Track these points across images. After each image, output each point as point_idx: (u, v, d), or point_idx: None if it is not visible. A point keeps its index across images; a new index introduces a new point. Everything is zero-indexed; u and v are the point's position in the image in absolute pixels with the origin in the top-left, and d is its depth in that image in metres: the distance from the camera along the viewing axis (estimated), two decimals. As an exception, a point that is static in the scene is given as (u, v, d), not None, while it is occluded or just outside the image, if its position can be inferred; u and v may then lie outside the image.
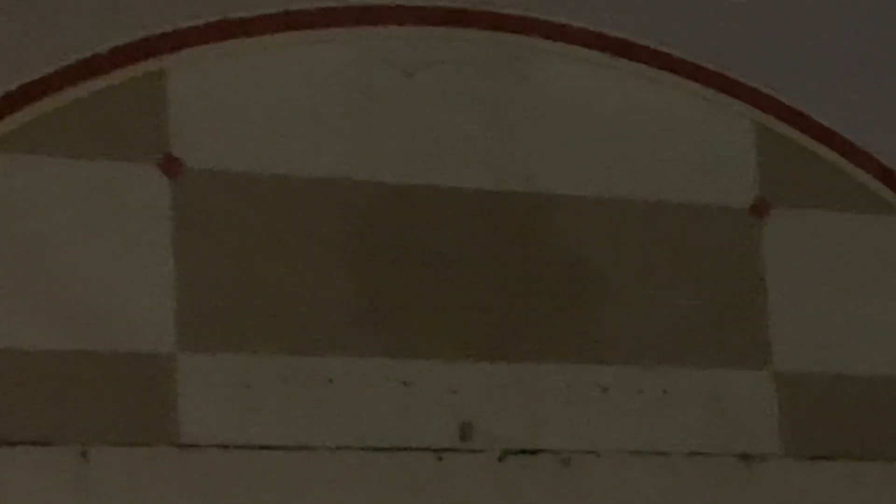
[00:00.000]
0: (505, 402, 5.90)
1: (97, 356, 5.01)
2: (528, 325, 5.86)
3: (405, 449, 5.63)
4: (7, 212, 4.99)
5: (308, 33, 5.70)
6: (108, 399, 5.05)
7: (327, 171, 5.66)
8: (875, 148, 6.53)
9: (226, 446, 5.21)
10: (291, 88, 5.64)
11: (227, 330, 5.24)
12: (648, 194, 6.18)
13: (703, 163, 6.52)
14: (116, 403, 5.05)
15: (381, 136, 5.71)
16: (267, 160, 5.62)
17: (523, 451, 5.92)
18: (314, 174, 5.62)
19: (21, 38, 5.07)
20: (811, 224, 6.42)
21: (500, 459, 5.87)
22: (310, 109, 5.70)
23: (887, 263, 6.58)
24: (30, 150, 5.08)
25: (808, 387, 6.45)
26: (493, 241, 5.87)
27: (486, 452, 5.86)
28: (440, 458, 5.67)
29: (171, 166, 5.37)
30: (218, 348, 5.24)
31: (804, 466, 6.30)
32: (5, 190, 5.01)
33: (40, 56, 5.13)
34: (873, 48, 6.41)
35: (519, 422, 5.91)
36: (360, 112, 5.77)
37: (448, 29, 5.84)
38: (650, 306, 6.04)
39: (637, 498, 6.15)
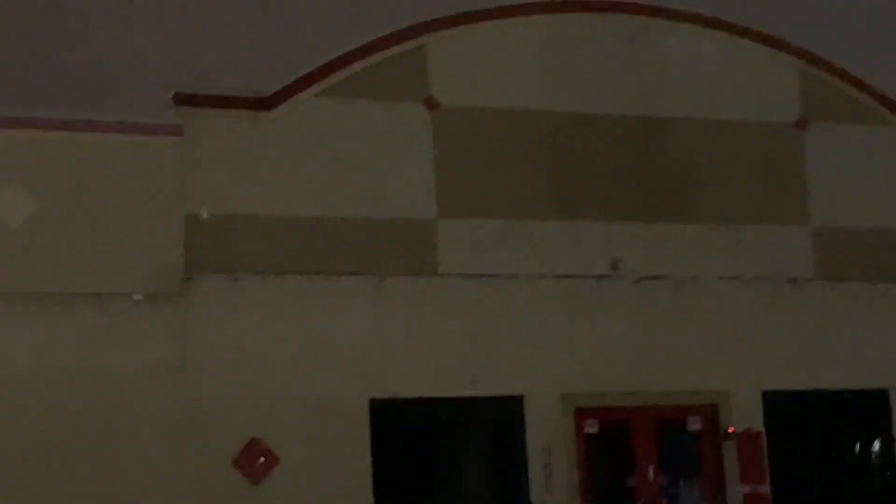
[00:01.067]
0: (640, 247, 8.25)
1: (386, 222, 7.48)
2: (654, 200, 8.33)
3: (577, 276, 7.86)
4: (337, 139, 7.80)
5: (520, 18, 8.07)
6: (392, 251, 7.55)
7: (529, 103, 8.15)
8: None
9: (472, 275, 7.70)
10: (515, 49, 8.17)
11: (476, 201, 7.73)
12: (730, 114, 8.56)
13: (757, 94, 8.82)
14: (397, 253, 7.52)
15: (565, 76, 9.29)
16: (501, 98, 8.18)
17: (651, 277, 8.65)
18: (520, 106, 8.05)
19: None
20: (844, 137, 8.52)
21: (636, 283, 8.05)
22: (525, 64, 9.11)
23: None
24: (347, 95, 8.75)
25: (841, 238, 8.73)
26: (631, 157, 9.41)
27: (627, 278, 8.10)
28: (598, 282, 7.88)
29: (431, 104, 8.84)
30: (469, 215, 7.75)
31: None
32: (336, 127, 8.11)
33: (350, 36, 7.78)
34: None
35: (649, 260, 8.29)
36: (556, 66, 9.25)
37: (607, 14, 8.23)
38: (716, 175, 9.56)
39: (722, 313, 9.17)
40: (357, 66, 8.88)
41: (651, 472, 9.41)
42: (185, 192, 8.43)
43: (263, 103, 8.91)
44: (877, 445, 9.94)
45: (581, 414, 9.22)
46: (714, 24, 9.50)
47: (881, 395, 9.69)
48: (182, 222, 8.30)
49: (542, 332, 9.28)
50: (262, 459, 8.55)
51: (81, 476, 7.60)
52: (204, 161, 8.58)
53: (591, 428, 9.36)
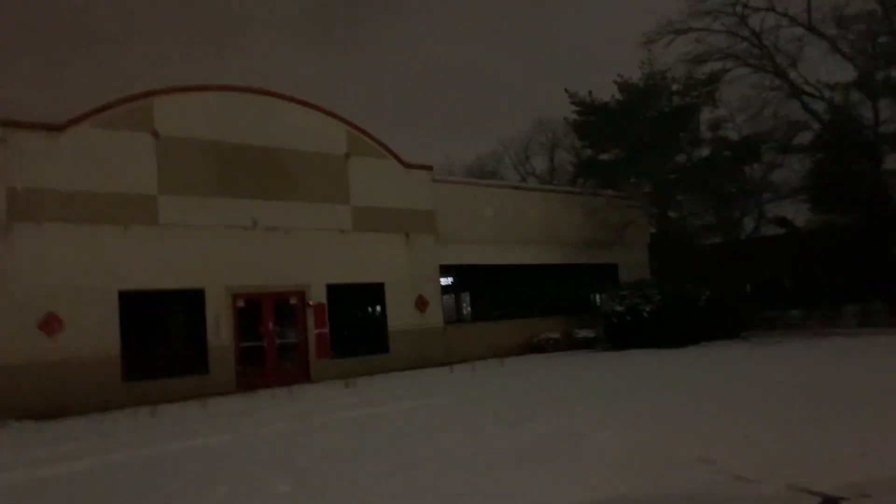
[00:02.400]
0: (267, 213, 15.22)
1: (132, 196, 13.69)
2: (275, 189, 15.08)
3: (235, 227, 14.60)
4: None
5: (204, 92, 14.46)
6: (133, 210, 13.81)
7: (210, 136, 14.52)
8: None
9: (179, 224, 14.08)
10: (202, 106, 14.36)
11: (179, 185, 14.10)
12: (316, 148, 15.63)
13: (328, 139, 16.31)
14: (136, 211, 13.82)
15: (229, 122, 14.59)
16: (194, 132, 14.41)
17: (272, 228, 15.11)
18: (204, 137, 14.42)
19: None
20: (365, 163, 16.32)
21: (265, 230, 15.08)
22: (208, 114, 14.48)
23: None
24: (109, 127, 13.56)
25: (364, 211, 16.30)
26: (265, 166, 14.98)
27: (261, 228, 15.02)
28: (247, 230, 14.83)
29: (155, 133, 14.05)
30: (175, 193, 14.07)
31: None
32: (101, 144, 13.72)
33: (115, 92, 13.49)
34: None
35: (271, 219, 15.19)
36: (225, 117, 14.68)
37: (245, 93, 15.27)
38: (309, 178, 15.46)
39: (308, 244, 15.47)
40: (118, 109, 15.57)
41: (270, 325, 17.52)
42: (10, 175, 13.87)
43: (57, 128, 14.67)
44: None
45: (235, 297, 16.65)
46: (304, 103, 18.26)
47: (379, 287, 19.21)
48: (5, 192, 13.74)
49: (217, 255, 16.49)
50: (55, 323, 14.55)
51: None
52: (21, 157, 14.04)
53: (240, 304, 16.81)
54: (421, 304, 19.98)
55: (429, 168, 20.86)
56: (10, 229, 14.19)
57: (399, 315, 19.54)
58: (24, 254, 14.31)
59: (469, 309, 22.03)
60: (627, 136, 25.86)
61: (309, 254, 18.07)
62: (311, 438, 9.40)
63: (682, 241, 26.04)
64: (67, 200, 14.95)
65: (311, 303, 17.94)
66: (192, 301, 16.46)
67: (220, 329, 16.59)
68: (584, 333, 22.54)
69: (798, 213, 26.91)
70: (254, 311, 17.28)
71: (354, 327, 19.13)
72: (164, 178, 16.13)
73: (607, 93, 28.19)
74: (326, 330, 18.18)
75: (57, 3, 49.71)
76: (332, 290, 18.34)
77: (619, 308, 21.82)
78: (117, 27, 50.31)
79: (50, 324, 14.43)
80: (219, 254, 16.73)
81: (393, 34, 57.89)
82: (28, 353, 14.06)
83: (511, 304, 22.43)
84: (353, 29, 60.64)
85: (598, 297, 23.69)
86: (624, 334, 21.22)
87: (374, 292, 19.41)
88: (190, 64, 46.55)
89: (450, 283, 21.22)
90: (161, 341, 16.31)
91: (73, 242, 14.88)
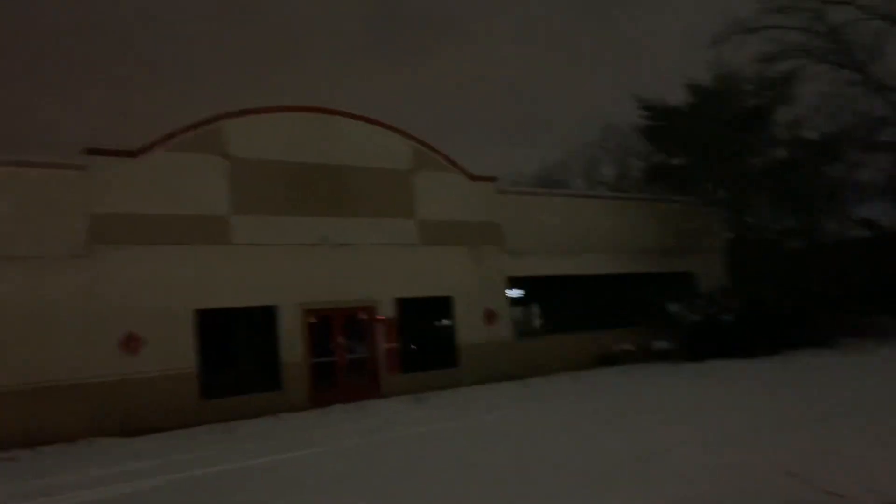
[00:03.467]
0: (336, 229, 15.38)
1: (205, 217, 14.05)
2: (341, 206, 15.33)
3: (305, 244, 14.84)
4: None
5: (273, 114, 14.80)
6: (206, 231, 14.09)
7: (279, 156, 14.82)
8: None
9: (252, 244, 14.37)
10: (271, 128, 14.73)
11: (252, 205, 14.38)
12: (378, 164, 15.70)
13: (392, 155, 16.16)
14: (208, 232, 14.13)
15: (294, 142, 14.87)
16: (265, 152, 14.74)
17: (341, 244, 15.35)
18: (274, 158, 14.73)
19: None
20: (430, 177, 16.43)
21: (334, 247, 15.30)
22: (276, 135, 14.76)
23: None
24: (184, 150, 13.94)
25: (430, 224, 16.38)
26: (329, 184, 15.29)
27: (330, 245, 15.26)
28: (315, 247, 14.99)
29: (227, 155, 14.40)
30: (248, 213, 14.35)
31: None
32: (178, 166, 14.46)
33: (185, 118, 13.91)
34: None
35: (340, 235, 15.43)
36: (292, 138, 14.94)
37: (310, 113, 15.54)
38: (372, 194, 15.62)
39: (375, 260, 15.70)
40: (191, 133, 16.14)
41: (340, 339, 17.80)
42: (91, 201, 14.60)
43: (132, 154, 15.40)
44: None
45: (307, 313, 16.99)
46: (368, 119, 18.59)
47: (447, 300, 19.38)
48: (88, 217, 14.49)
49: (288, 272, 16.86)
50: (135, 342, 15.08)
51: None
52: (101, 183, 14.79)
53: (312, 320, 17.12)
54: (489, 317, 19.94)
55: (493, 179, 20.90)
56: (92, 252, 14.78)
57: (468, 329, 19.55)
58: (106, 276, 14.85)
59: (540, 322, 21.79)
60: (700, 140, 25.25)
61: (377, 269, 18.29)
62: (382, 454, 9.47)
63: (762, 247, 25.15)
64: (144, 223, 15.50)
65: (379, 317, 18.16)
66: (265, 318, 16.87)
67: (292, 345, 16.95)
68: (659, 345, 21.98)
69: (885, 214, 25.74)
70: (325, 327, 17.59)
71: (424, 342, 19.24)
72: (235, 198, 16.63)
73: (676, 96, 27.77)
74: (396, 345, 18.33)
75: (112, 33, 51.81)
76: (401, 304, 18.50)
77: (695, 318, 21.34)
78: (172, 54, 52.09)
79: (130, 343, 14.95)
80: (290, 271, 17.11)
81: (451, 50, 58.38)
82: (110, 371, 14.52)
83: (583, 316, 22.10)
84: (409, 45, 61.36)
85: (674, 307, 22.84)
86: (702, 345, 20.62)
87: (443, 306, 19.51)
88: (247, 87, 47.95)
89: (520, 295, 21.02)
90: (236, 359, 16.78)
91: (151, 264, 15.39)
